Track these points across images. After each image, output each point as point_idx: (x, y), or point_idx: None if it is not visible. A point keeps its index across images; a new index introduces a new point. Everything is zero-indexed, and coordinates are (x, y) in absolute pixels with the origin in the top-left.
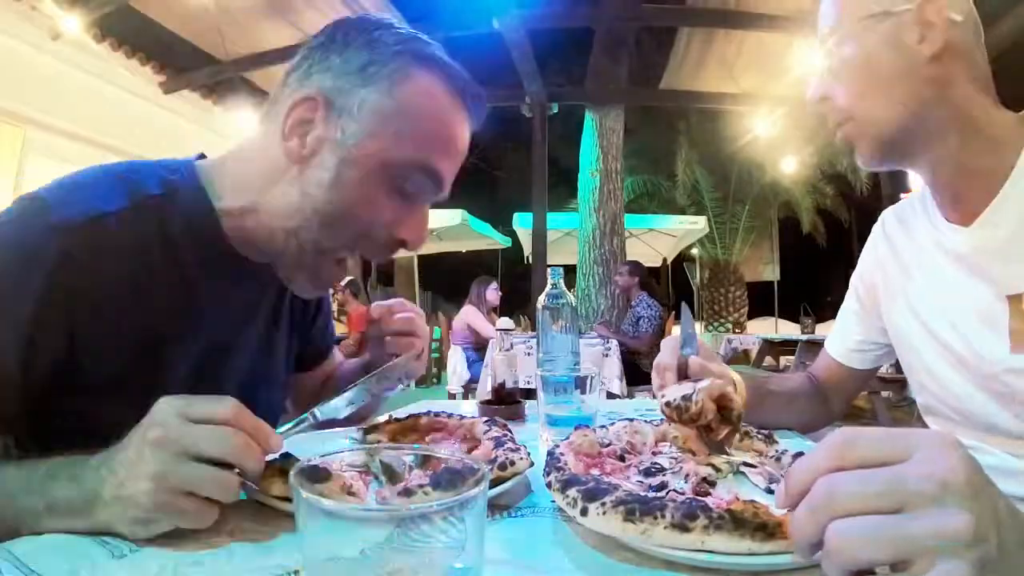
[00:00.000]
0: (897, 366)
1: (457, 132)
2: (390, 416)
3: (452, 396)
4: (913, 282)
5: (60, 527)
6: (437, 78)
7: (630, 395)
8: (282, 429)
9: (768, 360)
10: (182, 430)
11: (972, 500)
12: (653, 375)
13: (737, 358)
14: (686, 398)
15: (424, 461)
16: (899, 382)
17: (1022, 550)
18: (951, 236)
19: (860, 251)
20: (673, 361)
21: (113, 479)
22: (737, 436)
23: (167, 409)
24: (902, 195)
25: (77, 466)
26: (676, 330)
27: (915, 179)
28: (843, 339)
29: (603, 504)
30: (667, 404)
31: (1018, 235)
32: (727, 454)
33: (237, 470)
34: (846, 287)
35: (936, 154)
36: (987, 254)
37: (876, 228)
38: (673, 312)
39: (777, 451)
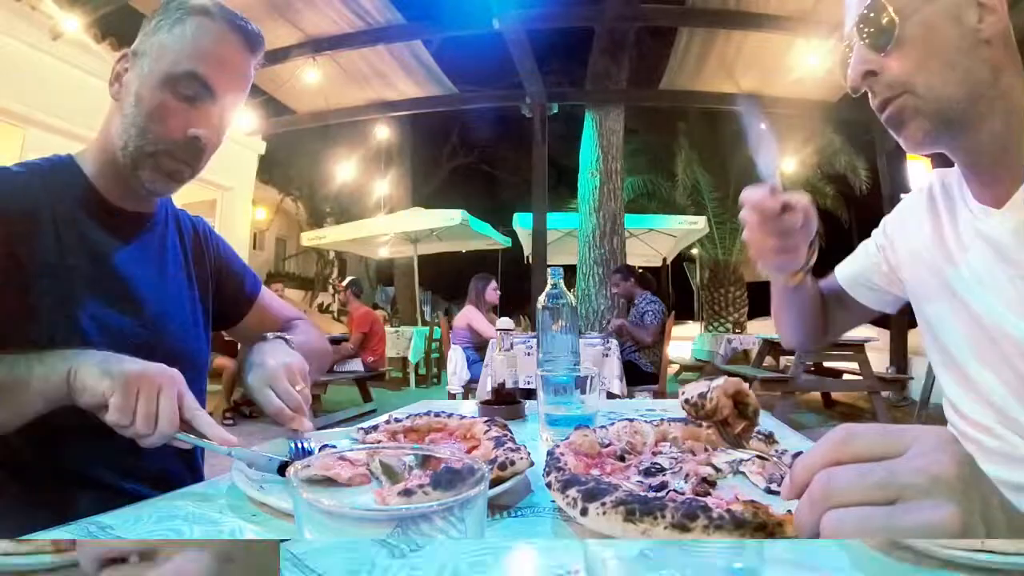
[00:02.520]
0: (898, 366)
1: (224, 51)
2: (390, 416)
3: (452, 396)
4: (952, 261)
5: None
6: (207, 17)
7: (630, 395)
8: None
9: (768, 360)
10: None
11: (961, 494)
12: (752, 207)
13: (737, 358)
14: (702, 395)
15: (424, 461)
16: (899, 382)
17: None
18: (983, 218)
19: None
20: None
21: (114, 356)
22: None
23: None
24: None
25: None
26: (677, 331)
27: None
28: (850, 267)
29: (603, 504)
30: (686, 401)
31: None
32: (744, 447)
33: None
34: None
35: (980, 137)
36: (1017, 235)
37: (924, 189)
38: (673, 312)
39: (777, 451)
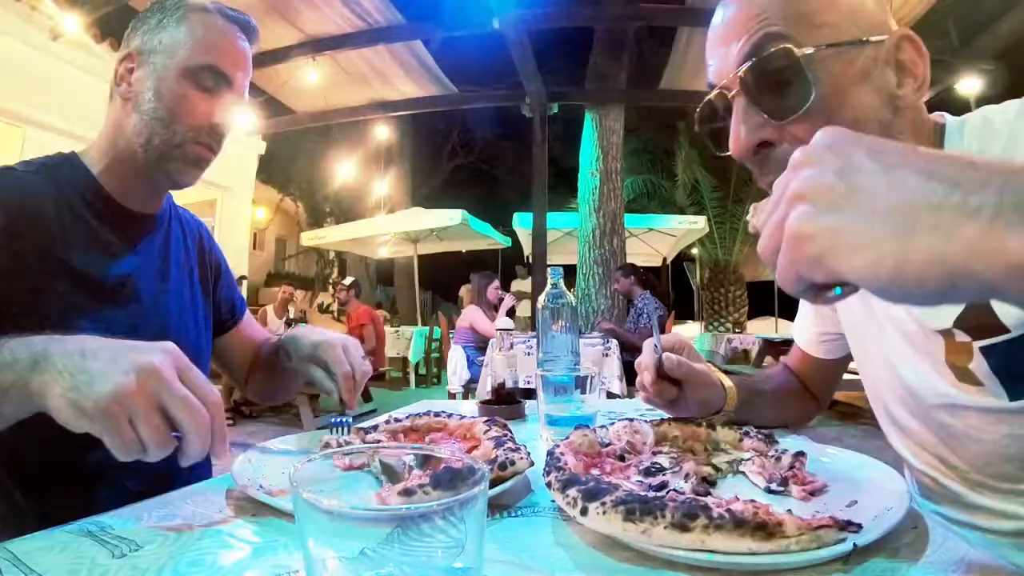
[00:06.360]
0: None
1: (230, 44)
2: (390, 416)
3: (452, 396)
4: (870, 314)
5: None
6: (208, 13)
7: (630, 395)
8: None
9: (768, 360)
10: (173, 380)
11: (812, 151)
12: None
13: (737, 358)
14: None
15: (424, 461)
16: None
17: (882, 169)
18: None
19: None
20: (651, 360)
21: (79, 359)
22: (737, 437)
23: (173, 356)
24: None
25: (46, 334)
26: (677, 329)
27: None
28: (805, 330)
29: (603, 504)
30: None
31: None
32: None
33: (177, 444)
34: None
35: None
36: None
37: None
38: (673, 312)
39: (777, 451)
